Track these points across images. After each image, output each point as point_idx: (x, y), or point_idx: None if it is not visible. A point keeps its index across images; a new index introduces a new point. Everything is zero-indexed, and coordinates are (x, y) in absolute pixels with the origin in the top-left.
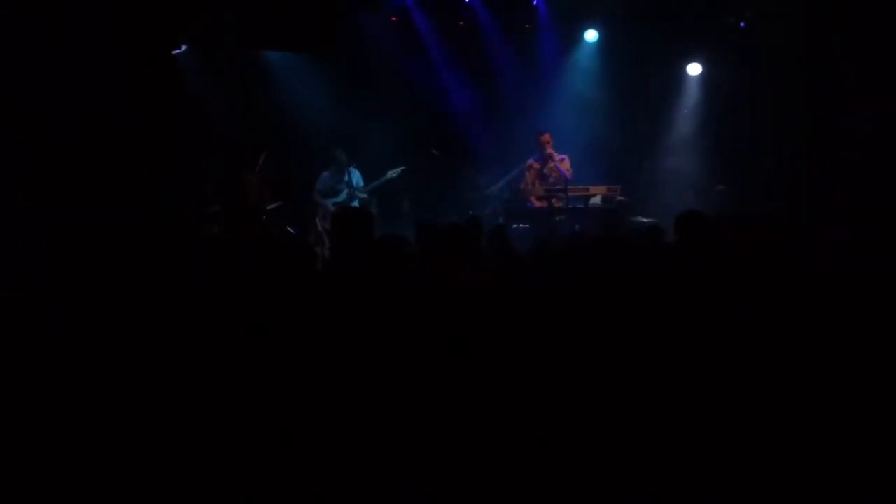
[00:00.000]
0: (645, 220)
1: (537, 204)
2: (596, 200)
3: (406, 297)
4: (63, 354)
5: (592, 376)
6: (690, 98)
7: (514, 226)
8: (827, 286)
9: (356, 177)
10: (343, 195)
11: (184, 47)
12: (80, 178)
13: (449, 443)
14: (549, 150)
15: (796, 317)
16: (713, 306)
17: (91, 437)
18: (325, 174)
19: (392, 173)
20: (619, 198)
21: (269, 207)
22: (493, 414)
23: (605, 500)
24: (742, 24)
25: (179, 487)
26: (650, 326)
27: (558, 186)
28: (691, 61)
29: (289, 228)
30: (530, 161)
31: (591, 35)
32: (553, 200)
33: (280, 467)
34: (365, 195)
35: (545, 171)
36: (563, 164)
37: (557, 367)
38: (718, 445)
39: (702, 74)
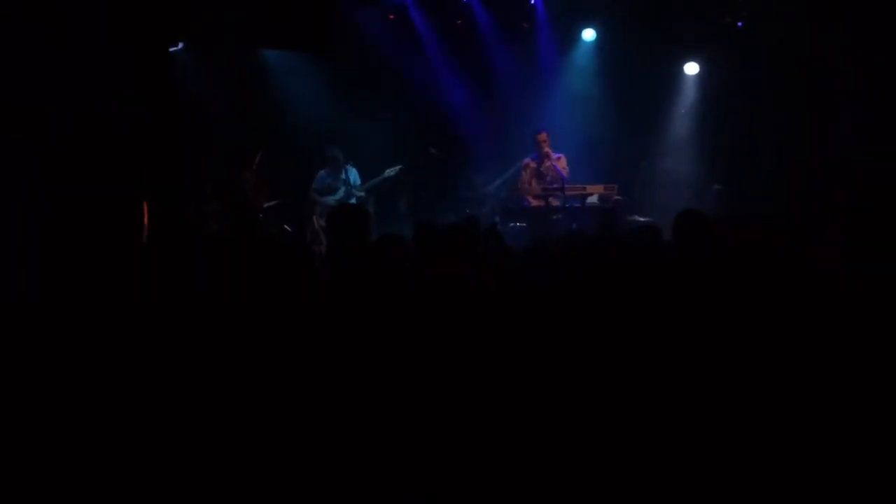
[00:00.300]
0: (641, 219)
1: (534, 203)
2: (593, 200)
3: (405, 296)
4: (62, 356)
5: (590, 375)
6: (688, 98)
7: (511, 224)
8: (826, 286)
9: (353, 175)
10: (340, 193)
11: (181, 44)
12: (79, 177)
13: (448, 443)
14: (546, 149)
15: (795, 316)
16: (712, 305)
17: (90, 435)
18: (322, 173)
19: (389, 172)
20: (616, 197)
21: (266, 206)
22: (492, 414)
23: (605, 499)
24: (740, 24)
25: (179, 487)
26: (649, 325)
27: (555, 185)
28: (689, 61)
29: (286, 227)
30: (526, 160)
31: (588, 34)
32: (550, 199)
33: (279, 468)
34: (362, 194)
35: (542, 169)
36: (560, 162)
37: (555, 366)
38: (717, 445)
39: (699, 74)
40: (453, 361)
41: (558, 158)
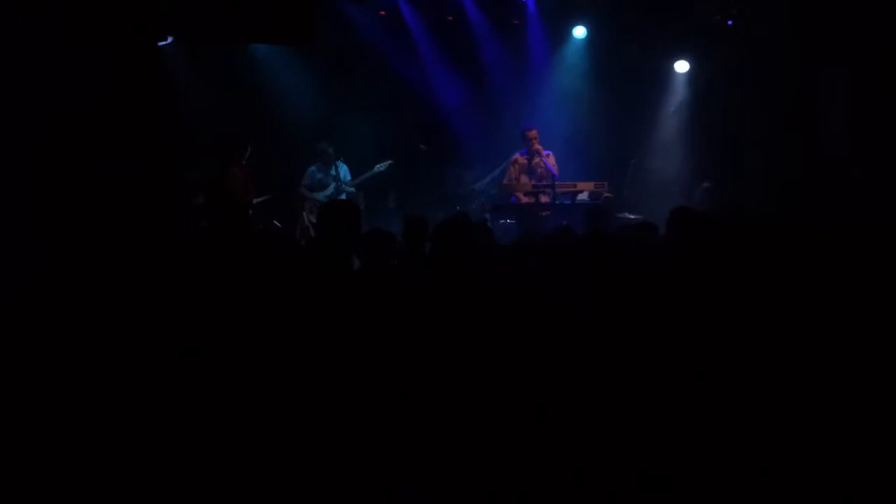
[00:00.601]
0: (632, 216)
1: (524, 199)
2: (583, 196)
3: (395, 292)
4: (58, 351)
5: (586, 374)
6: (678, 95)
7: (501, 221)
8: (821, 284)
9: (343, 171)
10: (330, 189)
11: (170, 39)
12: (70, 173)
13: (443, 441)
14: (536, 146)
15: (791, 313)
16: (712, 304)
17: (84, 431)
18: (313, 168)
19: (379, 167)
20: (606, 194)
21: (255, 201)
22: (486, 412)
23: (601, 499)
24: (730, 22)
25: (175, 484)
26: (648, 324)
27: (545, 182)
28: (679, 59)
29: (275, 222)
30: (515, 155)
31: (579, 31)
32: (540, 196)
33: (276, 466)
34: (353, 189)
35: (532, 165)
36: (549, 160)
37: (552, 365)
38: (716, 446)
39: (689, 72)
40: (447, 359)
41: (548, 156)
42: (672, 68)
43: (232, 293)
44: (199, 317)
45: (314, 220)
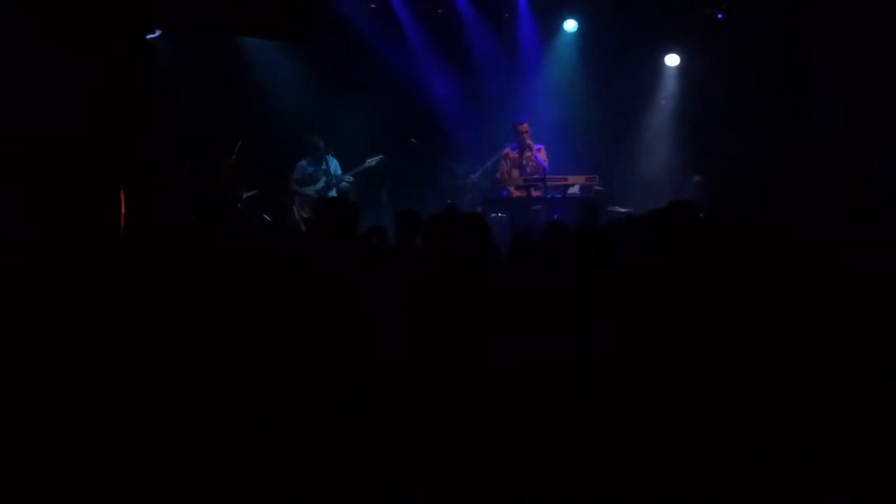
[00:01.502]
0: (622, 209)
1: (515, 193)
2: (574, 190)
3: (391, 289)
4: (40, 349)
5: (590, 376)
6: (668, 89)
7: (493, 215)
8: (817, 282)
9: (334, 165)
10: (321, 183)
11: (158, 32)
12: (56, 169)
13: (443, 443)
14: (528, 140)
15: (788, 310)
16: (708, 304)
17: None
18: (303, 162)
19: (370, 161)
20: (596, 188)
21: (245, 195)
22: (485, 412)
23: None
24: (720, 16)
25: (169, 482)
26: (649, 323)
27: (536, 176)
28: (670, 52)
29: (265, 217)
30: (507, 149)
31: (570, 25)
32: (531, 190)
33: (274, 464)
34: (352, 179)
35: (523, 160)
36: (540, 154)
37: (553, 365)
38: (716, 447)
39: (680, 65)
40: (445, 358)
41: (539, 150)
42: (663, 62)
43: (224, 290)
44: (191, 314)
45: (305, 215)
